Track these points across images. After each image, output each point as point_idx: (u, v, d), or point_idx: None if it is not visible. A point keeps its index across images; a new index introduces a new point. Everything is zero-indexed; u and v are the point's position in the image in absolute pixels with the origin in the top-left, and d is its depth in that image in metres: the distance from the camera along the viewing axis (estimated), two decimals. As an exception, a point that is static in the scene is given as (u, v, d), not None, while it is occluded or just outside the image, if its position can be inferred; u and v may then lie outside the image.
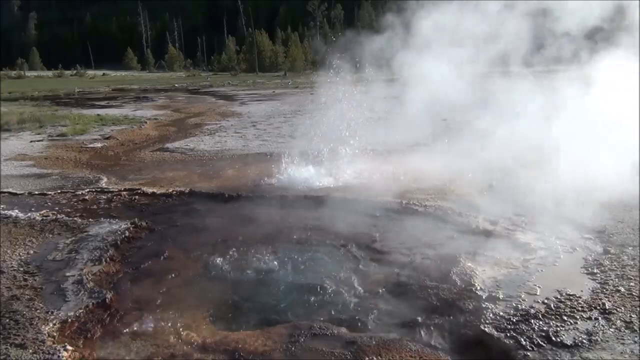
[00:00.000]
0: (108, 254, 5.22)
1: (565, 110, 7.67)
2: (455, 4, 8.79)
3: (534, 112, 8.25)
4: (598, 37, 8.16)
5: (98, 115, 19.04)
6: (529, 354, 3.42)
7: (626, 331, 3.63)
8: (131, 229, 5.96)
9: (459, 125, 10.61)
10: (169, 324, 3.93)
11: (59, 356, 3.45)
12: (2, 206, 6.97)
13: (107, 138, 13.54)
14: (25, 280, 4.65)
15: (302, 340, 3.65)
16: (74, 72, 68.53)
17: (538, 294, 4.21)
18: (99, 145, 12.53)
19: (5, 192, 7.77)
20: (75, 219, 6.41)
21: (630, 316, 3.81)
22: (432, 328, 3.83)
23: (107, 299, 4.24)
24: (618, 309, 3.92)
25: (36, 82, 49.47)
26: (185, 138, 13.56)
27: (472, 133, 8.95)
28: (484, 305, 4.05)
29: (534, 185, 6.93)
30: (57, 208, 6.96)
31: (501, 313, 3.93)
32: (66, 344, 3.61)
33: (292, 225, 6.11)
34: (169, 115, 19.60)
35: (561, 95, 8.14)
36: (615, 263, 4.75)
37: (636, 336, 3.56)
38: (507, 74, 10.16)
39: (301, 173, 8.10)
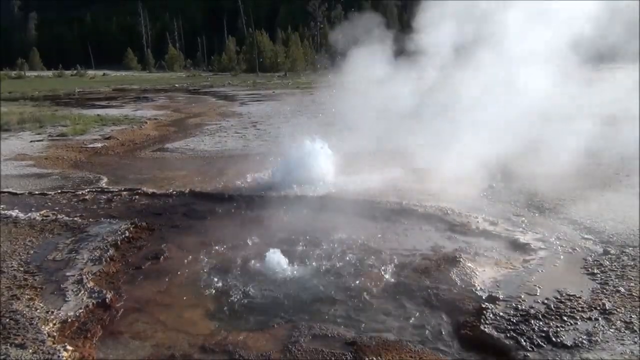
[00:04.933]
0: (108, 254, 5.22)
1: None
2: None
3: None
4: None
5: (98, 115, 19.04)
6: (529, 354, 3.42)
7: (626, 332, 3.63)
8: (131, 229, 5.96)
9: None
10: (169, 324, 3.93)
11: (59, 356, 3.45)
12: (2, 206, 6.97)
13: (107, 138, 13.54)
14: (25, 280, 4.65)
15: (302, 340, 3.65)
16: (74, 72, 68.47)
17: (538, 294, 4.22)
18: (99, 145, 12.53)
19: (5, 192, 7.78)
20: (76, 219, 6.41)
21: (631, 317, 3.81)
22: (431, 328, 3.83)
23: (107, 299, 4.24)
24: (618, 310, 3.92)
25: (36, 82, 49.44)
26: (186, 138, 13.56)
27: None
28: (483, 306, 4.05)
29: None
30: (57, 208, 6.96)
31: (501, 313, 3.93)
32: (66, 343, 3.61)
33: (293, 224, 6.11)
34: (169, 116, 19.60)
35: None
36: (615, 263, 4.75)
37: (636, 337, 3.56)
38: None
39: (301, 173, 8.09)
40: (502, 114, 7.59)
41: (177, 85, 43.72)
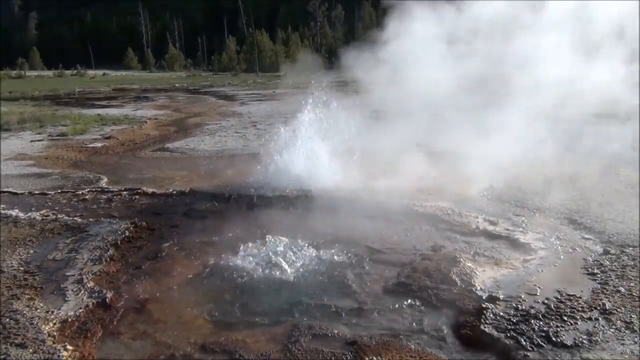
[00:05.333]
0: (108, 253, 5.22)
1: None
2: None
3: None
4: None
5: (98, 114, 19.03)
6: (529, 354, 3.42)
7: (626, 331, 3.63)
8: (131, 228, 5.96)
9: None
10: (169, 324, 3.93)
11: (59, 356, 3.45)
12: (2, 206, 6.97)
13: (107, 138, 13.54)
14: (25, 279, 4.65)
15: (302, 340, 3.64)
16: (75, 71, 68.47)
17: (538, 294, 4.22)
18: (99, 144, 12.53)
19: (5, 192, 7.77)
20: (76, 218, 6.41)
21: (631, 316, 3.81)
22: (431, 328, 3.83)
23: (107, 299, 4.24)
24: (618, 310, 3.92)
25: (36, 82, 49.43)
26: (186, 138, 13.56)
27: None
28: (484, 306, 4.05)
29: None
30: (57, 208, 6.96)
31: (501, 313, 3.93)
32: (66, 343, 3.61)
33: (292, 224, 6.11)
34: (169, 115, 19.59)
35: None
36: (615, 263, 4.75)
37: (636, 336, 3.56)
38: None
39: (302, 173, 8.08)
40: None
41: (177, 85, 43.73)
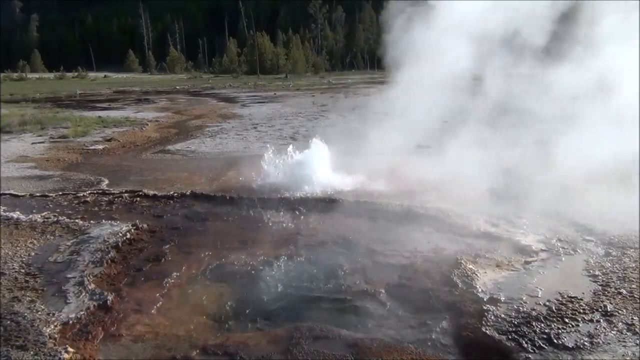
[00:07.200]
0: (109, 255, 5.22)
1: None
2: None
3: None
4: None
5: (99, 117, 19.06)
6: (530, 356, 3.42)
7: (628, 333, 3.63)
8: (132, 230, 5.96)
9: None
10: (170, 326, 3.93)
11: (60, 358, 3.45)
12: (3, 208, 6.98)
13: (108, 140, 13.56)
14: (26, 282, 4.65)
15: (303, 342, 3.64)
16: (76, 74, 68.61)
17: (539, 296, 4.21)
18: (100, 147, 12.54)
19: (6, 194, 7.78)
20: (77, 220, 6.42)
21: (632, 318, 3.80)
22: (433, 330, 3.82)
23: (108, 301, 4.24)
24: (620, 311, 3.91)
25: (37, 84, 49.51)
26: (187, 140, 13.57)
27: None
28: (485, 308, 4.05)
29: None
30: (58, 210, 6.96)
31: (502, 315, 3.93)
32: (67, 345, 3.61)
33: (292, 226, 6.11)
34: (170, 117, 19.61)
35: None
36: (616, 265, 4.74)
37: (638, 338, 3.55)
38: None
39: (303, 175, 8.08)
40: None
41: (178, 87, 43.78)
